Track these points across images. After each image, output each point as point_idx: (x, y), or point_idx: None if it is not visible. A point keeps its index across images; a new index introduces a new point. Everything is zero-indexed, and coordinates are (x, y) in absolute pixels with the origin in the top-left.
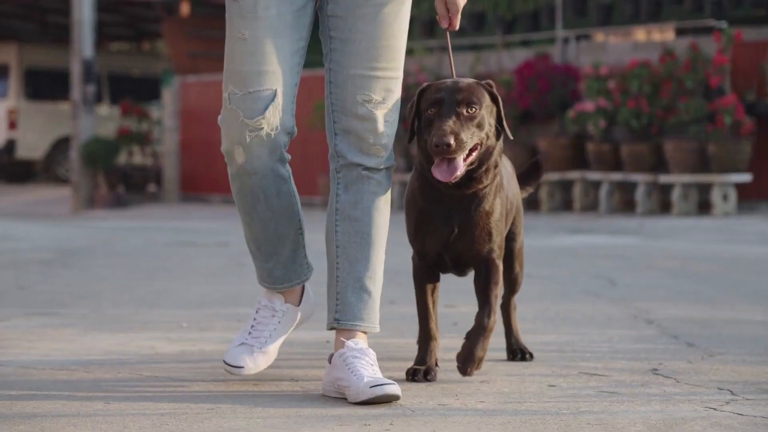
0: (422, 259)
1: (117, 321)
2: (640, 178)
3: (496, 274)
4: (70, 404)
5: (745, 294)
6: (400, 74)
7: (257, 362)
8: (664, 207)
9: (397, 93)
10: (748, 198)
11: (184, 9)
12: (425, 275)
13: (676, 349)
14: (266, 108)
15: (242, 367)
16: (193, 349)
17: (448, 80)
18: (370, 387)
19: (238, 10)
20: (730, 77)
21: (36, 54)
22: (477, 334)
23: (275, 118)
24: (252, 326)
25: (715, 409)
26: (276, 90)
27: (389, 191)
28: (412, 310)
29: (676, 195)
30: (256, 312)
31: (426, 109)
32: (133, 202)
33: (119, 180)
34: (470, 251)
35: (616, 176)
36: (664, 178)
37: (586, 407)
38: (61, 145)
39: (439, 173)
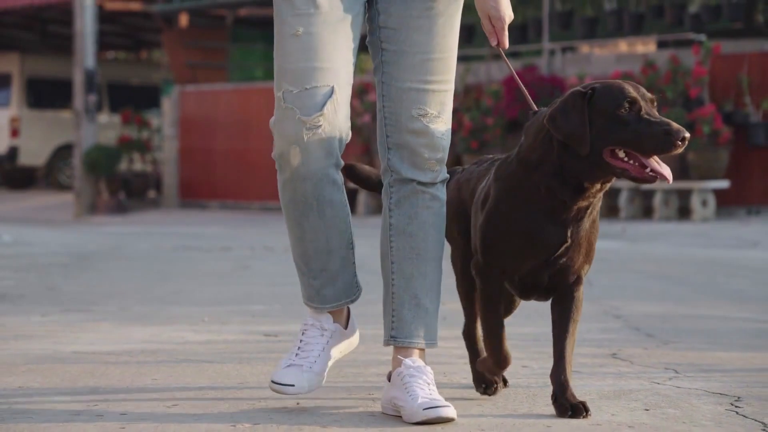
0: (501, 274)
1: (145, 317)
2: (624, 184)
3: (580, 306)
4: (123, 380)
5: (712, 293)
6: (453, 87)
7: (309, 382)
8: (647, 212)
9: (450, 106)
10: (726, 204)
11: (183, 20)
12: (501, 294)
13: (636, 339)
14: (324, 105)
15: (292, 386)
16: (218, 338)
17: (619, 80)
18: (424, 409)
19: (290, 7)
20: (709, 88)
21: (37, 63)
22: (560, 373)
23: (333, 116)
24: (299, 347)
25: (658, 383)
26: (333, 87)
27: (444, 205)
28: None
29: (657, 201)
30: (303, 333)
31: (617, 109)
32: (134, 208)
33: (120, 186)
34: (570, 267)
35: None
36: (646, 185)
37: None
38: (62, 153)
39: (665, 172)
